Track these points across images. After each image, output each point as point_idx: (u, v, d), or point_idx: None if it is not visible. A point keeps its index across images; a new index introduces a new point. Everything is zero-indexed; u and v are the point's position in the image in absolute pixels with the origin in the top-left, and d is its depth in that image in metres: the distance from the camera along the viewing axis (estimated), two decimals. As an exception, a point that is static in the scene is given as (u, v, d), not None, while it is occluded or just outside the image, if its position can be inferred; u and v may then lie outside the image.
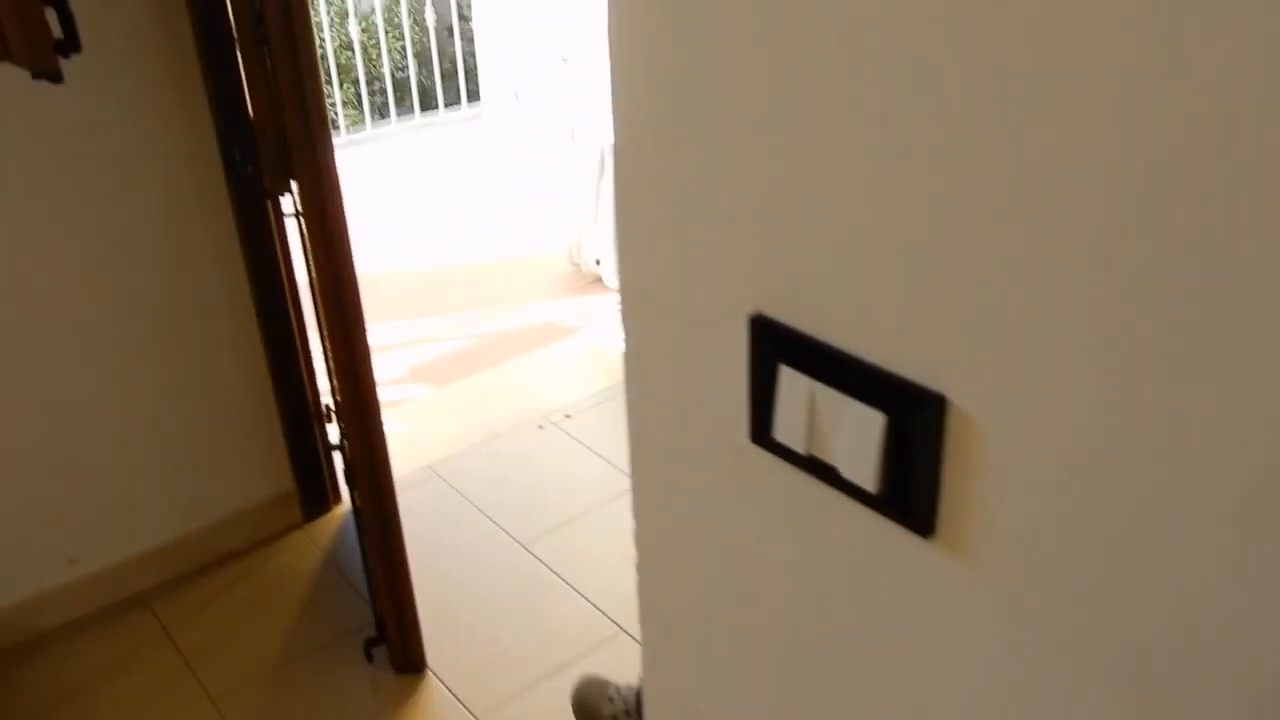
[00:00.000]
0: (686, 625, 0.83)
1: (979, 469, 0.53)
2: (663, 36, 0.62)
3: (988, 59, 0.46)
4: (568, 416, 2.93)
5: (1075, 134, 0.43)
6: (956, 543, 0.56)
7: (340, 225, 1.63)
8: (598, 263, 3.64)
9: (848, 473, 0.60)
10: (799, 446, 0.62)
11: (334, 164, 1.58)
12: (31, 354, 2.01)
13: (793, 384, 0.61)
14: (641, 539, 0.83)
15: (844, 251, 0.56)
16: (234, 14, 1.87)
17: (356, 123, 4.98)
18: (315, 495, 2.54)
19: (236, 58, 1.97)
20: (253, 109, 1.94)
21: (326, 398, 2.42)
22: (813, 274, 0.58)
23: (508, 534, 2.51)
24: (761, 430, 0.65)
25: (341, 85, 5.12)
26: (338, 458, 2.51)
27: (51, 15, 1.21)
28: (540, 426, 2.89)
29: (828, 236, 0.57)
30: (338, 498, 2.58)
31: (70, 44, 1.12)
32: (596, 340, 3.31)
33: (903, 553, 0.59)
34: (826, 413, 0.60)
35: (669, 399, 0.73)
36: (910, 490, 0.57)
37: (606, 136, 3.45)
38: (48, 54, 1.07)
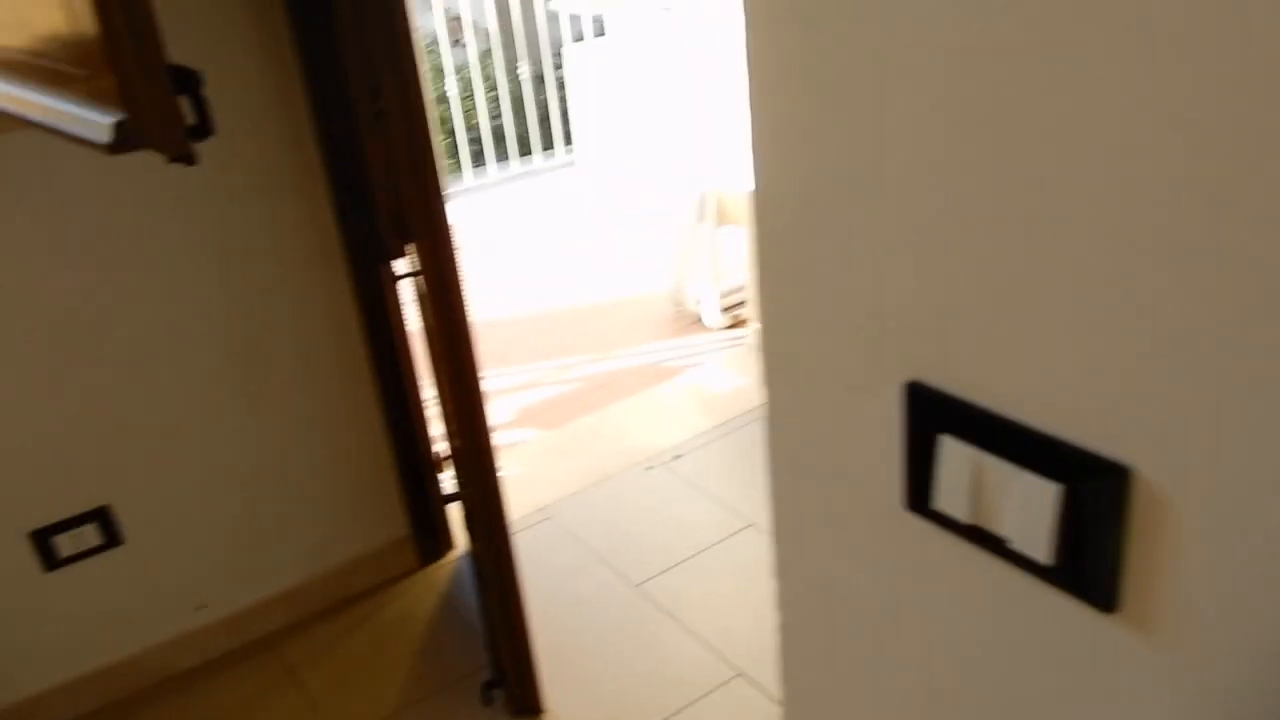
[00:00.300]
0: (832, 693, 0.81)
1: (1169, 543, 0.51)
2: (808, 95, 0.61)
3: (1179, 108, 0.44)
4: (676, 457, 2.92)
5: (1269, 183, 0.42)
6: (1143, 620, 0.54)
7: (456, 285, 1.66)
8: (698, 303, 3.64)
9: (1018, 544, 0.58)
10: (962, 516, 0.61)
11: (449, 228, 1.62)
12: (161, 408, 2.09)
13: (954, 453, 0.60)
14: (784, 602, 0.82)
15: (1010, 315, 0.55)
16: (352, 88, 1.93)
17: (454, 172, 5.09)
18: (430, 540, 2.58)
19: (353, 128, 2.04)
20: (371, 177, 2.00)
21: (438, 445, 2.46)
22: (974, 339, 0.57)
23: (620, 575, 2.51)
24: (918, 498, 0.64)
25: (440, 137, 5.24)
26: (451, 504, 2.56)
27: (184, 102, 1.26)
28: (649, 468, 2.90)
29: (991, 300, 0.55)
30: (451, 543, 2.62)
31: (204, 129, 1.17)
32: (701, 380, 3.31)
33: (1080, 627, 0.57)
34: (993, 482, 0.58)
35: (815, 464, 0.73)
36: (1088, 563, 0.55)
37: (704, 178, 3.49)
38: (183, 141, 1.13)
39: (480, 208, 4.87)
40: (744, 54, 0.63)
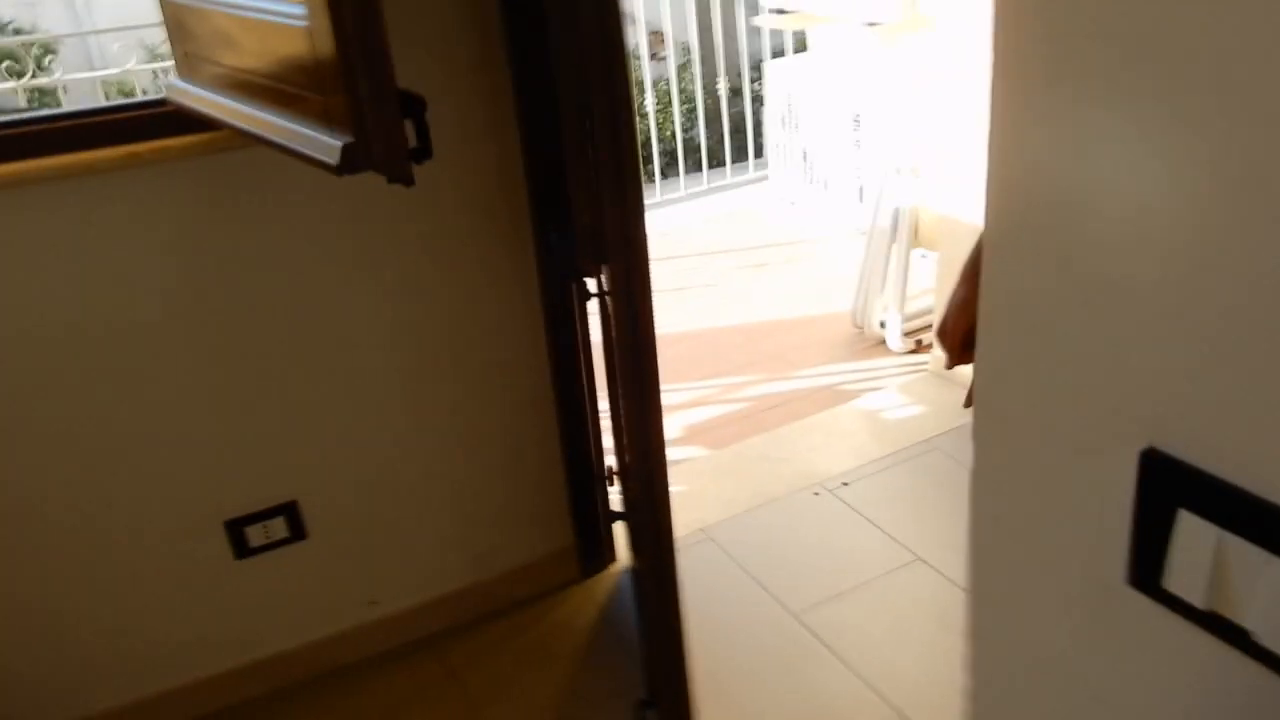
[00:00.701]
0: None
1: None
2: (1060, 143, 0.56)
3: None
4: (845, 484, 2.84)
5: None
6: None
7: (647, 308, 1.64)
8: (882, 325, 3.53)
9: (1266, 639, 0.51)
10: (1197, 601, 0.54)
11: (646, 252, 1.59)
12: (350, 412, 2.17)
13: (1194, 531, 0.53)
14: (977, 669, 0.76)
15: (1272, 380, 0.48)
16: (560, 108, 1.94)
17: (645, 184, 5.12)
18: (592, 553, 2.58)
19: (558, 148, 2.05)
20: (572, 198, 2.01)
21: (608, 459, 2.47)
22: (1227, 407, 0.51)
23: (779, 602, 2.46)
24: (1146, 575, 0.58)
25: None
26: (617, 520, 2.56)
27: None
28: (816, 493, 2.82)
29: (1254, 365, 0.49)
30: (613, 557, 2.62)
31: (424, 152, 1.19)
32: (877, 406, 3.21)
33: (1340, 743, 0.50)
34: (1239, 567, 0.52)
35: (1026, 528, 0.67)
36: (1355, 672, 0.48)
37: (901, 198, 3.39)
38: (404, 163, 1.15)
39: (668, 219, 4.87)
40: (989, 86, 0.58)
